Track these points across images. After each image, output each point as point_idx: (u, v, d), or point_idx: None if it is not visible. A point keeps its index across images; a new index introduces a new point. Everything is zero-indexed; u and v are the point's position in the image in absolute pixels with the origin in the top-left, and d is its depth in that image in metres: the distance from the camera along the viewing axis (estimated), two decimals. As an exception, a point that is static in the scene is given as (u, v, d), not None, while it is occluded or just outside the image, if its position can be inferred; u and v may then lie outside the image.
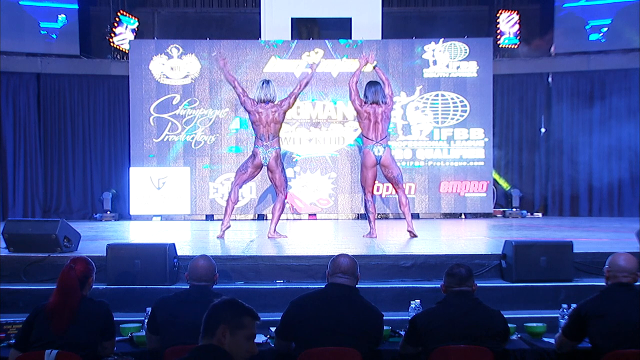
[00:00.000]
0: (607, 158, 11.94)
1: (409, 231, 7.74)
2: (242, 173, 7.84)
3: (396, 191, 8.01)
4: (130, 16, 12.45)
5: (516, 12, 12.43)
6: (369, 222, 7.83)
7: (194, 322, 3.69)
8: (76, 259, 4.02)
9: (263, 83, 7.80)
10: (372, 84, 7.89)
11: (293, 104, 7.91)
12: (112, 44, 12.26)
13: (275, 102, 7.76)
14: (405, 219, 7.90)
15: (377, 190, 10.60)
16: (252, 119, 7.76)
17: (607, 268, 3.90)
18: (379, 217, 9.81)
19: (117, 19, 12.21)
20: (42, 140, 12.02)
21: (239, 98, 7.85)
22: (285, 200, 8.13)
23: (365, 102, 7.74)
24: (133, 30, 12.40)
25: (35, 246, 6.02)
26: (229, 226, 7.82)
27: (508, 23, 12.33)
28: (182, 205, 11.52)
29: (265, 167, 7.77)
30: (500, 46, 12.35)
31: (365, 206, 7.89)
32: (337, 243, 8.00)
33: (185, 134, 11.52)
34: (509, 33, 12.35)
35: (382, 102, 7.71)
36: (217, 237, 7.76)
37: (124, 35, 12.27)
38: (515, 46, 12.44)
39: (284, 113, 7.76)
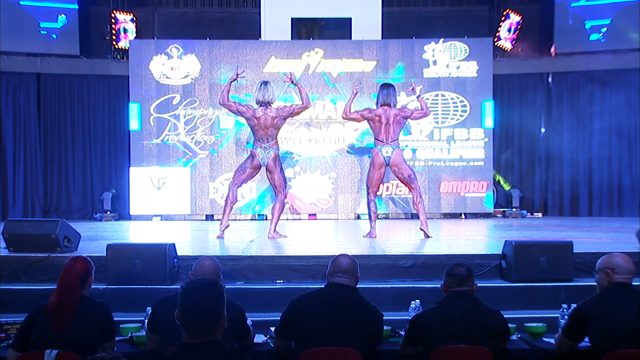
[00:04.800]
0: (607, 158, 11.94)
1: (421, 229, 7.74)
2: (240, 173, 7.84)
3: (410, 191, 8.02)
4: (128, 14, 12.44)
5: (518, 14, 12.41)
6: (370, 222, 7.83)
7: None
8: (76, 257, 4.03)
9: (261, 84, 7.78)
10: (384, 86, 7.93)
11: (297, 114, 7.93)
12: (115, 45, 12.27)
13: (274, 106, 7.74)
14: (419, 217, 7.89)
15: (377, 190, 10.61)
16: (250, 124, 7.75)
17: (608, 268, 3.87)
18: (379, 217, 9.80)
19: (114, 20, 12.21)
20: (42, 140, 12.02)
21: (231, 109, 7.85)
22: (285, 201, 8.13)
23: (375, 107, 7.78)
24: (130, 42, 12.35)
25: (35, 246, 6.01)
26: (228, 225, 7.83)
27: (509, 26, 12.32)
28: (182, 205, 11.52)
29: (264, 168, 7.77)
30: (499, 46, 12.36)
31: (368, 206, 7.90)
32: (337, 243, 8.00)
33: (185, 134, 11.53)
34: (506, 39, 12.37)
35: (394, 105, 7.73)
36: (217, 237, 7.76)
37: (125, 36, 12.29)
38: (509, 49, 12.45)
39: (284, 120, 7.76)
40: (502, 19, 12.35)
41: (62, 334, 3.69)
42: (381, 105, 7.72)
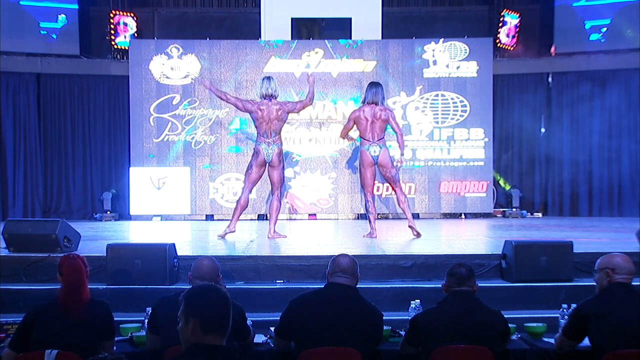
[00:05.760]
0: (607, 158, 11.94)
1: (410, 227, 7.73)
2: (249, 174, 7.80)
3: (394, 190, 8.01)
4: (128, 14, 12.45)
5: (516, 12, 12.44)
6: (369, 222, 7.83)
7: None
8: (72, 254, 4.09)
9: (264, 79, 7.83)
10: (373, 85, 7.94)
11: (298, 111, 7.93)
12: (114, 45, 12.28)
13: (278, 99, 7.78)
14: (405, 216, 7.89)
15: (377, 190, 10.61)
16: (254, 117, 7.74)
17: (609, 268, 3.87)
18: (379, 217, 9.80)
19: (113, 20, 12.21)
20: (42, 140, 12.02)
21: (237, 107, 7.85)
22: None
23: (363, 104, 7.81)
24: (132, 36, 12.39)
25: (35, 246, 6.02)
26: (234, 231, 7.79)
27: (507, 32, 12.35)
28: (182, 205, 11.52)
29: (267, 164, 7.74)
30: (499, 46, 12.37)
31: (365, 206, 7.90)
32: (337, 243, 8.00)
33: (185, 134, 11.53)
34: (507, 44, 12.41)
35: (381, 103, 7.75)
36: (218, 236, 7.76)
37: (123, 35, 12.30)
38: (512, 48, 12.48)
39: (287, 114, 7.75)
40: (501, 19, 12.33)
41: (79, 322, 3.71)
42: (368, 103, 7.73)
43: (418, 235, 7.67)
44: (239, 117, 11.36)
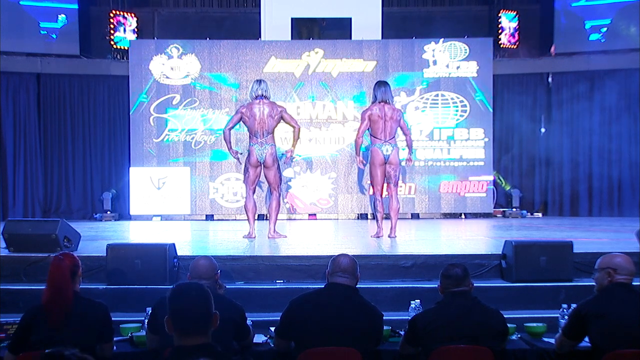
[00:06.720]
0: (607, 158, 11.94)
1: (390, 237, 7.72)
2: (247, 177, 7.80)
3: (389, 192, 7.86)
4: (129, 14, 12.47)
5: (513, 11, 12.46)
6: (377, 220, 7.82)
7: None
8: (63, 253, 4.06)
9: (255, 82, 7.85)
10: (381, 83, 7.93)
11: (288, 120, 7.83)
12: (113, 45, 12.29)
13: (271, 100, 7.79)
14: (391, 223, 7.83)
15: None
16: (245, 117, 7.70)
17: (610, 268, 3.87)
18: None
19: (112, 21, 12.22)
20: (42, 140, 12.02)
21: (239, 120, 7.79)
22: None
23: (372, 103, 7.78)
24: (133, 31, 12.42)
25: (35, 246, 6.02)
26: (254, 237, 7.74)
27: (508, 37, 12.40)
28: (182, 205, 11.52)
29: (261, 164, 7.72)
30: (501, 46, 12.38)
31: (374, 205, 7.88)
32: (337, 243, 8.00)
33: (185, 134, 11.52)
34: (508, 35, 12.42)
35: (390, 102, 7.75)
36: (244, 237, 7.77)
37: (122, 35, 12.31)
38: (514, 46, 12.49)
39: (280, 118, 7.73)
40: (499, 20, 12.34)
41: (60, 331, 3.67)
42: (379, 102, 7.72)
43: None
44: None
